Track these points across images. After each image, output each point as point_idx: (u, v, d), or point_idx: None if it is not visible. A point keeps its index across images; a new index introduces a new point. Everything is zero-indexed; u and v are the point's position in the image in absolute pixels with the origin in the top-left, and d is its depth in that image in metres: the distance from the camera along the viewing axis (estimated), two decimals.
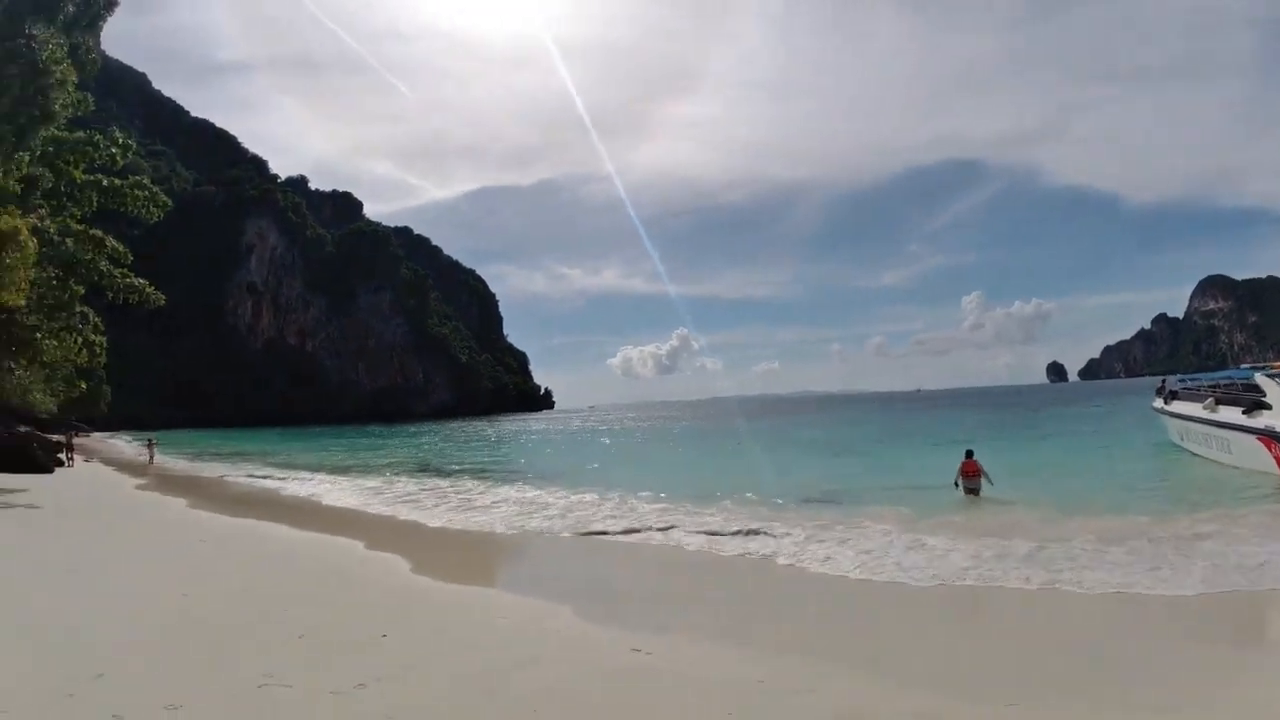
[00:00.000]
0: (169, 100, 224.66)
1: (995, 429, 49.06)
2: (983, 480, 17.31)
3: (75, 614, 7.51)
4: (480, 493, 22.46)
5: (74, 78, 16.97)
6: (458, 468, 34.69)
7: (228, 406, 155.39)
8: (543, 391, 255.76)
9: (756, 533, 13.71)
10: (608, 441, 54.81)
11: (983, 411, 79.84)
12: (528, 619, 8.19)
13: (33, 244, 16.32)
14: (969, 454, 17.79)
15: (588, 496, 19.95)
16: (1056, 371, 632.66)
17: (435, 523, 16.97)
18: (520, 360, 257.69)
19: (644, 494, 19.71)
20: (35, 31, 15.06)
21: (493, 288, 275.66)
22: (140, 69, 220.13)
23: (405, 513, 18.65)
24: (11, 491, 19.68)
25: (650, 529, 14.81)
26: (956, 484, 17.49)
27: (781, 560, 11.67)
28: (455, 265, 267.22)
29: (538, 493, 21.41)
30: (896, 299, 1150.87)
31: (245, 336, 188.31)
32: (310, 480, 28.86)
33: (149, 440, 48.13)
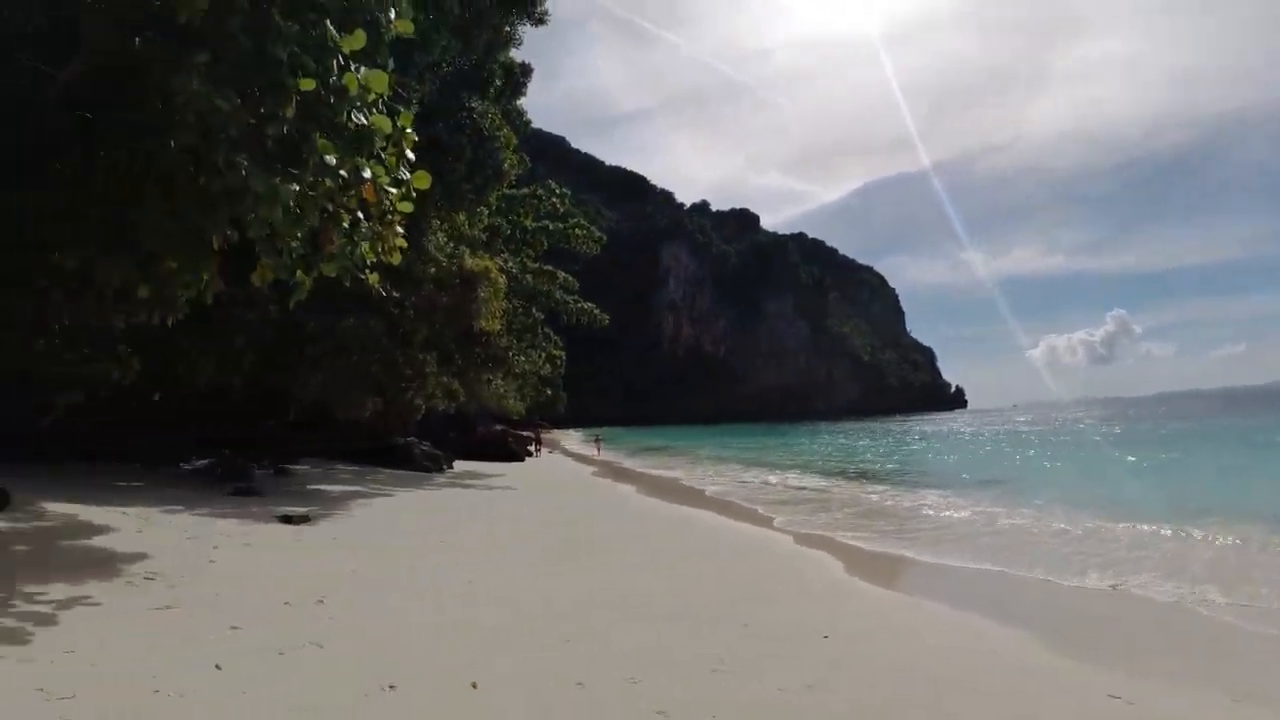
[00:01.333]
0: (586, 155, 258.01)
1: None
2: None
3: (548, 582, 8.22)
4: (894, 498, 21.26)
5: (514, 140, 19.70)
6: (870, 467, 33.72)
7: (657, 406, 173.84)
8: (953, 389, 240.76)
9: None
10: (1034, 450, 48.28)
11: None
12: (969, 638, 7.18)
13: (502, 280, 19.49)
14: None
15: (1025, 511, 16.98)
16: None
17: (854, 527, 16.30)
18: (927, 356, 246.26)
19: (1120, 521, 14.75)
20: (473, 105, 17.77)
21: (891, 282, 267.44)
22: (559, 133, 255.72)
23: (820, 513, 18.28)
24: (494, 475, 23.64)
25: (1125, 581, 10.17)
26: None
27: None
28: (851, 263, 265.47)
29: (963, 502, 19.57)
30: None
31: (669, 347, 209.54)
32: (725, 474, 30.39)
33: (596, 436, 55.43)
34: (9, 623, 5.16)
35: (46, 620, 5.30)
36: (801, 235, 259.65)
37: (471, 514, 14.23)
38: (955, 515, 16.88)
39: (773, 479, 27.91)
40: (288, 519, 10.40)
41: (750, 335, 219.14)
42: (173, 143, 8.60)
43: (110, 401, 14.27)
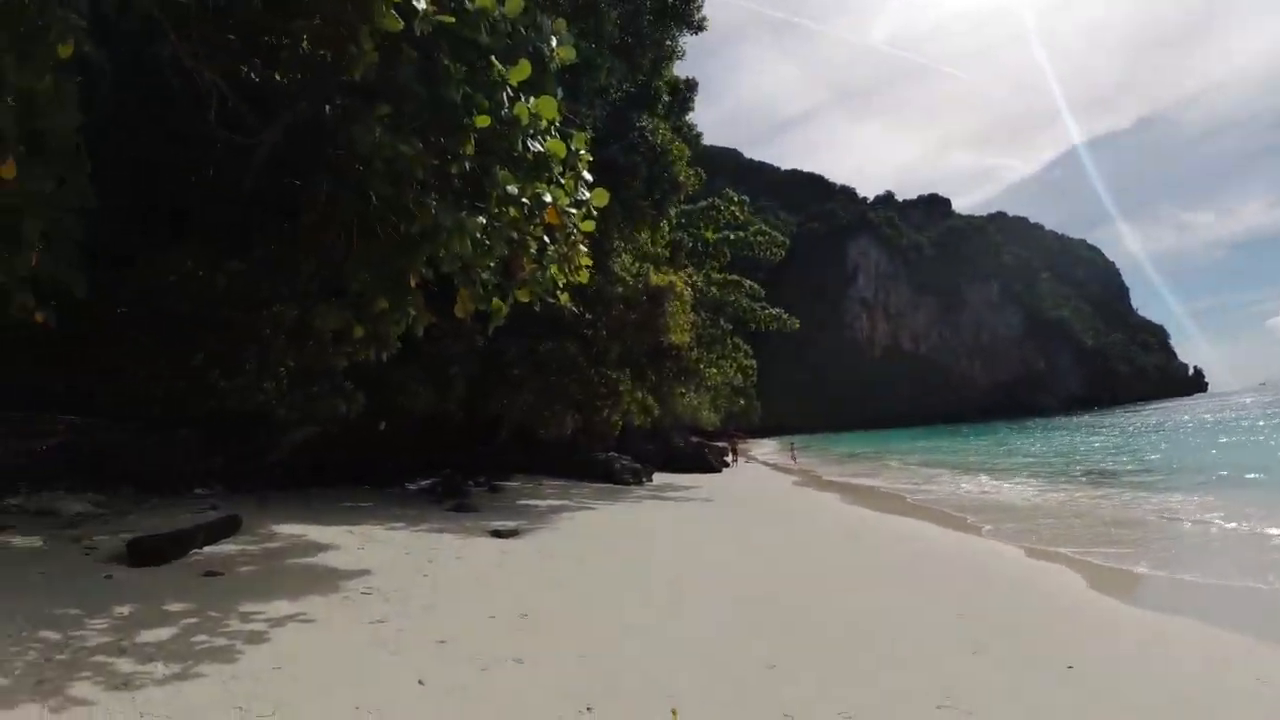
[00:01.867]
0: (760, 163, 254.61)
1: None
2: None
3: (749, 594, 7.96)
4: (1135, 503, 18.92)
5: (687, 152, 19.74)
6: (1103, 468, 30.37)
7: (855, 411, 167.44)
8: (1190, 371, 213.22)
9: None
10: None
11: None
12: (1249, 677, 6.09)
13: (688, 293, 19.67)
14: None
15: None
16: None
17: (1091, 540, 14.64)
18: (1158, 335, 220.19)
19: None
20: (643, 123, 18.00)
21: (1109, 254, 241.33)
22: (731, 146, 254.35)
23: (1048, 523, 16.61)
24: (692, 487, 23.65)
25: None
26: None
27: None
28: (1061, 239, 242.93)
29: (1218, 503, 17.04)
30: None
31: (864, 347, 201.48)
32: (935, 480, 28.50)
33: (791, 445, 54.38)
34: (220, 642, 5.53)
35: (258, 638, 5.66)
36: (1000, 214, 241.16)
37: (672, 526, 14.25)
38: (1213, 521, 14.69)
39: (988, 485, 25.83)
40: (498, 533, 10.88)
41: (953, 328, 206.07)
42: (372, 195, 9.36)
43: (342, 433, 15.80)
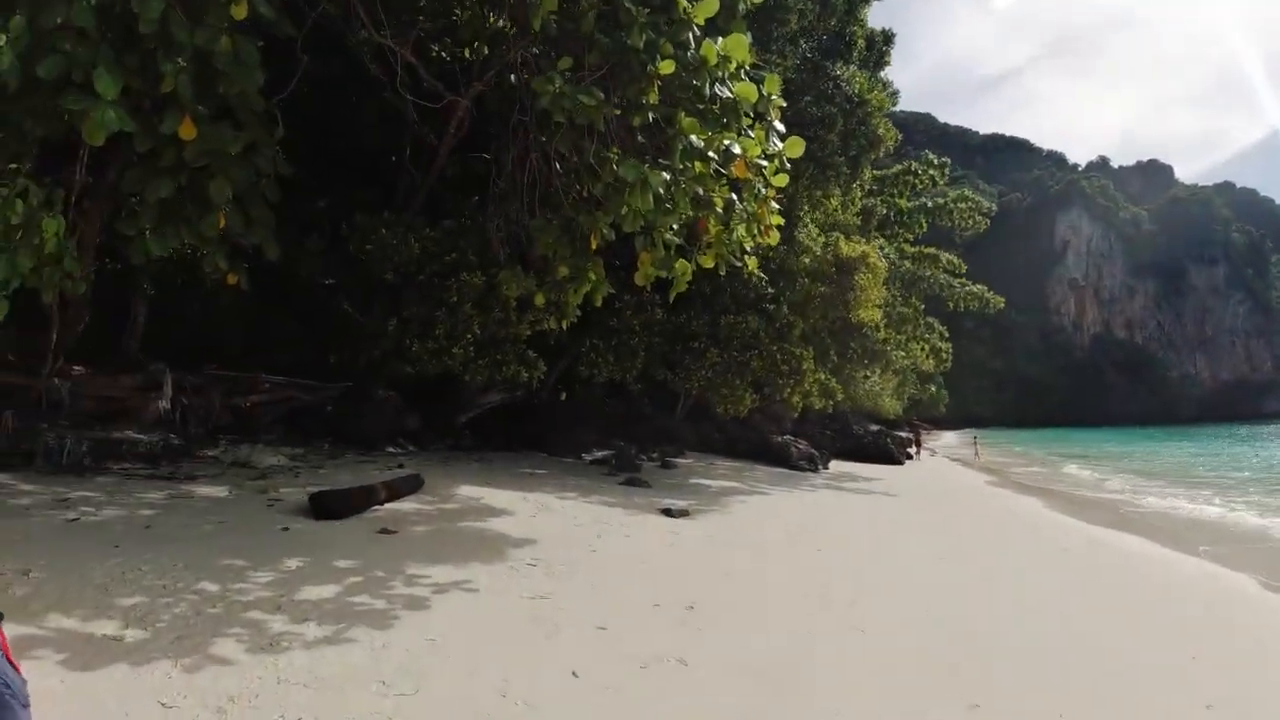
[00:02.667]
0: (955, 128, 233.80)
1: None
2: None
3: (944, 612, 6.89)
4: None
5: (887, 104, 17.91)
6: None
7: (1059, 405, 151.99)
8: None
9: None
10: None
11: None
12: None
13: (882, 264, 18.02)
14: None
15: None
16: None
17: None
18: None
19: None
20: (837, 73, 16.37)
21: None
22: (924, 111, 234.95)
23: None
24: (872, 479, 21.93)
25: None
26: None
27: None
28: None
29: None
30: None
31: (1071, 334, 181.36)
32: (1153, 491, 24.88)
33: (974, 438, 49.70)
34: (379, 604, 5.30)
35: (418, 604, 5.40)
36: (1228, 185, 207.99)
37: (850, 519, 13.11)
38: None
39: (1214, 500, 22.02)
40: (668, 512, 10.32)
41: (1175, 316, 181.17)
42: (555, 163, 9.00)
43: (525, 400, 15.97)
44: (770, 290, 16.66)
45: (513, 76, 10.76)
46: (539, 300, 10.29)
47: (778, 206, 7.48)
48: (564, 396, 16.52)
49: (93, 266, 8.89)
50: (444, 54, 12.39)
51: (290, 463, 10.42)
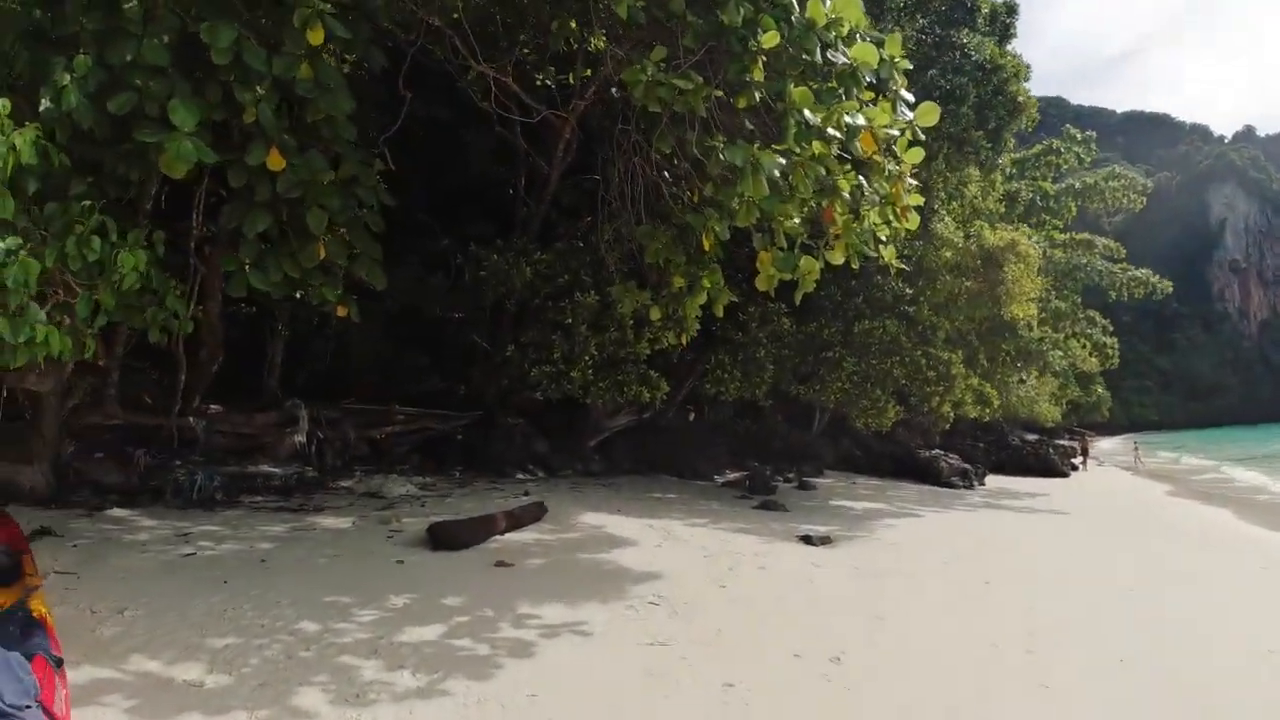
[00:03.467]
0: (1090, 109, 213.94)
1: None
2: None
3: (1141, 668, 5.48)
4: None
5: (1025, 73, 15.88)
6: None
7: (1224, 402, 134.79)
8: None
9: None
10: None
11: None
12: None
13: (1034, 252, 15.86)
14: None
15: None
16: None
17: None
18: None
19: None
20: (964, 39, 14.56)
21: None
22: (1053, 95, 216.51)
23: None
24: (1035, 494, 19.44)
25: None
26: None
27: None
28: None
29: None
30: None
31: (1237, 322, 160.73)
32: None
33: (1134, 444, 44.15)
34: (482, 650, 4.71)
35: (523, 650, 4.78)
36: None
37: (1017, 544, 11.40)
38: None
39: None
40: (808, 539, 9.21)
41: None
42: (656, 158, 8.25)
43: (652, 422, 15.22)
44: (908, 290, 15.05)
45: (614, 90, 10.32)
46: (655, 315, 9.49)
47: (915, 183, 6.36)
48: (692, 416, 15.60)
49: (219, 310, 8.94)
50: (547, 80, 12.24)
51: (419, 492, 10.14)
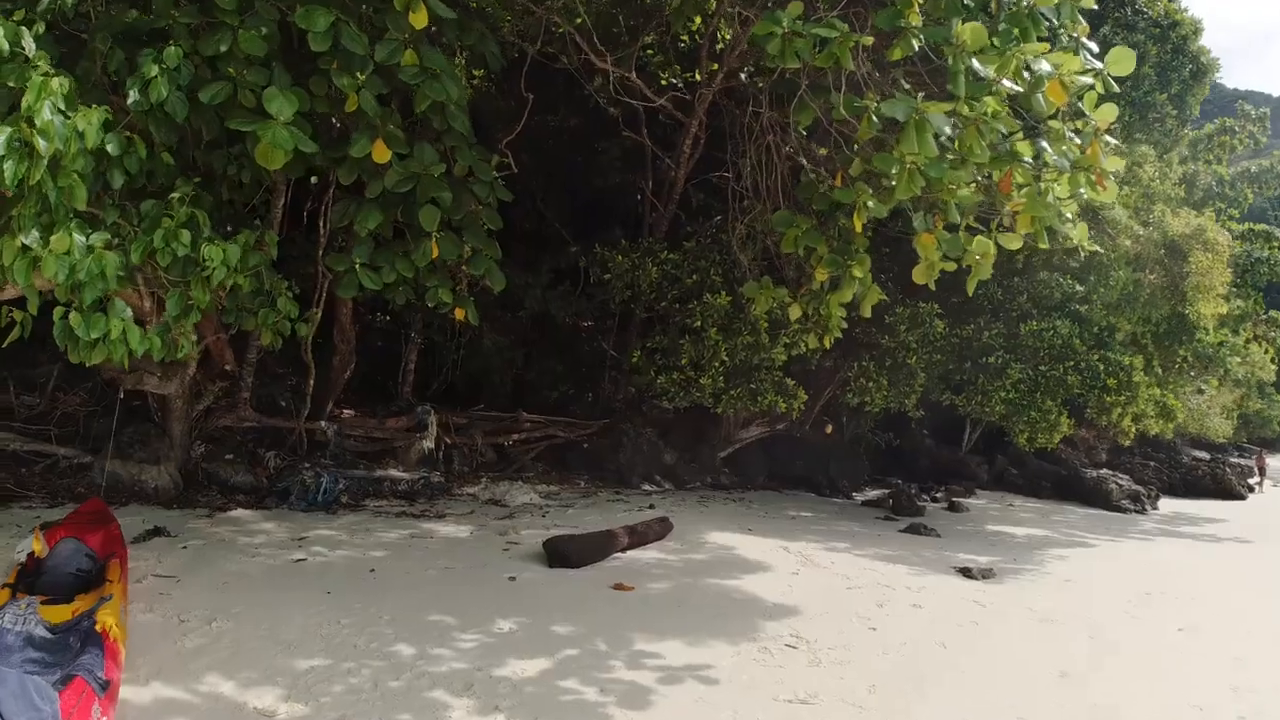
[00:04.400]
0: (1246, 92, 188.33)
1: None
2: None
3: None
4: None
5: (1199, 26, 13.32)
6: None
7: None
8: None
9: None
10: None
11: None
12: None
13: (1224, 240, 13.25)
14: None
15: None
16: None
17: None
18: None
19: None
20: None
21: None
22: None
23: None
24: (1213, 519, 16.24)
25: None
26: None
27: None
28: None
29: None
30: None
31: None
32: None
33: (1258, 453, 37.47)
34: (588, 694, 3.96)
35: (636, 699, 4.00)
36: None
37: (1206, 580, 9.34)
38: None
39: None
40: (967, 572, 7.80)
41: None
42: (795, 135, 7.24)
43: (788, 434, 14.00)
44: (1079, 287, 12.95)
45: (743, 74, 9.44)
46: (794, 313, 8.30)
47: (1114, 143, 5.02)
48: (829, 429, 14.19)
49: (350, 316, 8.73)
50: (672, 79, 11.59)
51: (542, 501, 9.55)
